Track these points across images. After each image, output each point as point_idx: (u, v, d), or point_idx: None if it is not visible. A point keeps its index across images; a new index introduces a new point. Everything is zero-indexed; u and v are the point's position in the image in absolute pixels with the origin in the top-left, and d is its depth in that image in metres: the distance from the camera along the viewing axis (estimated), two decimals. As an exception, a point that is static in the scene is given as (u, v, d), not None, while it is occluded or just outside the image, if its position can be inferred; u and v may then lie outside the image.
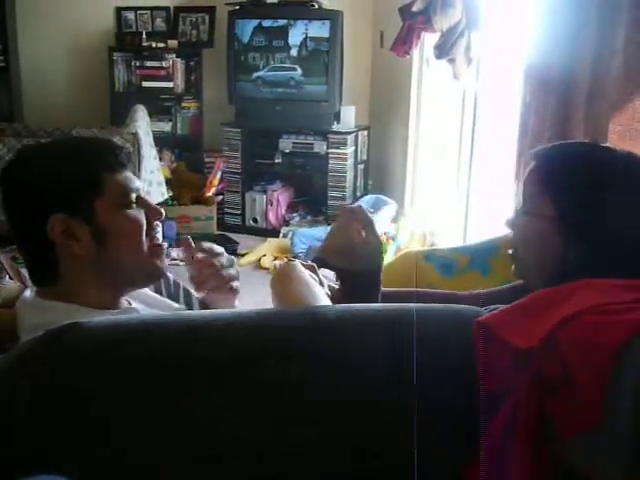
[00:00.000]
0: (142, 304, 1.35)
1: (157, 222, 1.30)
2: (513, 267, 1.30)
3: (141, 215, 1.25)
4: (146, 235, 1.26)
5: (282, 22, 4.90)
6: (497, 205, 3.33)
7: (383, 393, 0.97)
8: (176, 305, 1.47)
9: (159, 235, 1.30)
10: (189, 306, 1.54)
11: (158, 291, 1.50)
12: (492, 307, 0.96)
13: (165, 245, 1.32)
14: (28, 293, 1.31)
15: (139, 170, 4.40)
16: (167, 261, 1.34)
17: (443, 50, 3.62)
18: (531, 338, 0.84)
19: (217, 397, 0.96)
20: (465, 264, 1.86)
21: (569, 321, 0.83)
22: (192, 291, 1.61)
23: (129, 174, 1.26)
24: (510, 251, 1.29)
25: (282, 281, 1.23)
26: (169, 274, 1.61)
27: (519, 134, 2.70)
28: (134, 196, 1.25)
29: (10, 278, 1.64)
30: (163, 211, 1.31)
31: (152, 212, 1.27)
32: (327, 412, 0.97)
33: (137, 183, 1.27)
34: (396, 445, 0.98)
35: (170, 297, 1.50)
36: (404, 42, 3.91)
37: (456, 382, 0.96)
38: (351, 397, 0.97)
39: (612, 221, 1.14)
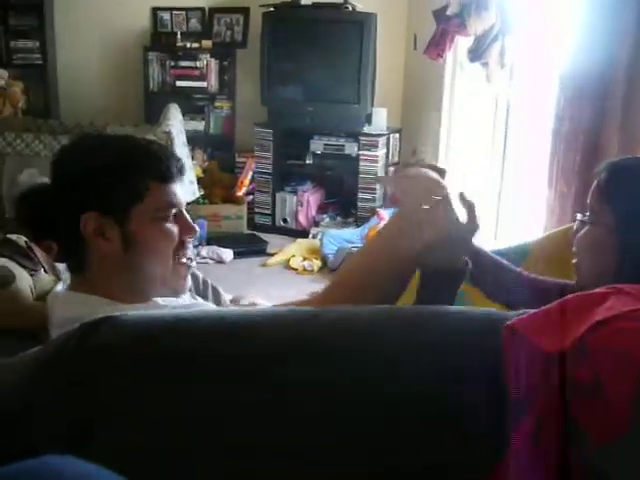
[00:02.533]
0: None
1: (189, 239, 1.29)
2: (576, 278, 1.31)
3: (174, 231, 1.24)
4: (176, 251, 1.25)
5: (316, 24, 4.91)
6: (529, 209, 3.31)
7: (412, 394, 0.98)
8: (209, 303, 1.49)
9: (189, 252, 1.30)
10: (218, 304, 1.56)
11: None
12: (521, 311, 0.96)
13: (193, 264, 1.32)
14: (60, 287, 1.34)
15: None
16: (194, 263, 1.34)
17: (476, 54, 3.61)
18: (561, 342, 0.84)
19: (247, 395, 0.97)
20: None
21: (600, 326, 0.83)
22: (220, 290, 1.63)
23: (175, 188, 1.25)
24: (574, 260, 1.31)
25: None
26: (198, 272, 1.63)
27: (552, 139, 2.69)
28: (173, 211, 1.24)
29: (45, 272, 1.66)
30: (198, 229, 1.30)
31: (186, 229, 1.27)
32: (354, 412, 0.98)
33: (180, 197, 1.26)
34: (420, 448, 0.98)
35: (198, 293, 1.52)
36: (437, 45, 3.91)
37: (485, 386, 0.96)
38: (379, 397, 0.98)
39: None
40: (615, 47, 2.27)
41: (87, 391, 0.95)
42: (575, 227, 1.33)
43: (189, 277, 1.32)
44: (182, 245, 1.27)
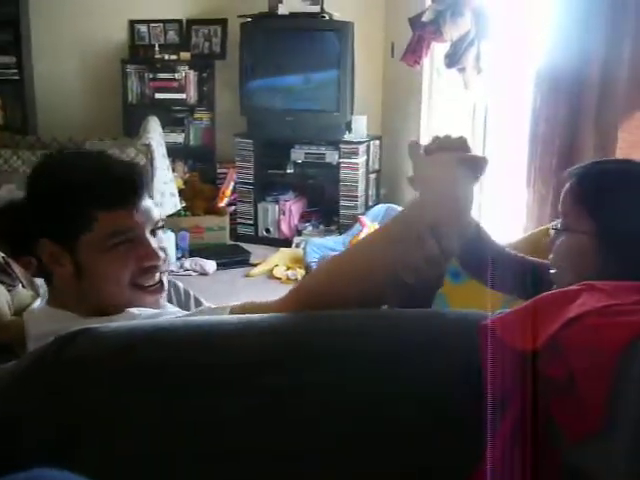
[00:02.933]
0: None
1: (153, 265, 1.23)
2: (555, 287, 1.29)
3: (126, 259, 1.20)
4: (136, 278, 1.22)
5: (294, 34, 4.93)
6: (508, 212, 3.32)
7: (392, 397, 0.98)
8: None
9: (157, 277, 1.25)
10: None
11: (168, 300, 1.51)
12: (499, 311, 0.96)
13: (164, 287, 1.28)
14: (37, 303, 1.33)
15: (152, 181, 4.43)
16: (165, 286, 1.30)
17: (453, 59, 3.63)
18: (535, 341, 0.84)
19: (227, 403, 0.97)
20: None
21: (573, 323, 0.84)
22: (202, 300, 1.62)
23: (133, 213, 1.20)
24: (552, 271, 1.29)
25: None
26: (179, 284, 1.62)
27: (529, 142, 2.71)
28: (130, 236, 1.20)
29: (23, 287, 1.65)
30: (161, 254, 1.25)
31: (146, 256, 1.22)
32: (334, 415, 0.98)
33: (141, 221, 1.21)
34: (402, 450, 0.98)
35: (180, 306, 1.50)
36: (414, 52, 3.93)
37: (463, 387, 0.97)
38: (359, 399, 0.98)
39: None
40: (590, 44, 2.29)
41: (65, 402, 0.94)
42: (551, 237, 1.31)
43: (162, 302, 1.29)
44: (144, 272, 1.23)
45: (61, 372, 0.96)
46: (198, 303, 1.59)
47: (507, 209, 3.36)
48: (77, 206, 1.17)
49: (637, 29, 2.06)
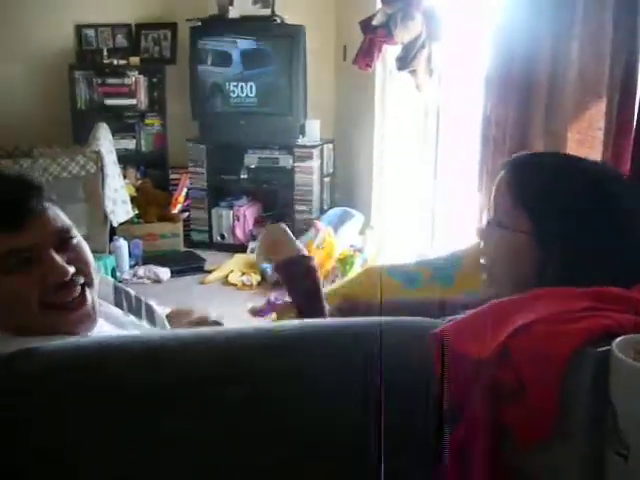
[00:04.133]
0: (104, 319, 1.30)
1: (60, 280, 1.14)
2: (484, 276, 1.27)
3: (28, 277, 1.12)
4: (47, 297, 1.13)
5: (244, 37, 4.90)
6: (461, 215, 3.34)
7: (343, 411, 0.96)
8: (140, 323, 1.45)
9: (76, 291, 1.17)
10: (151, 322, 1.52)
11: (118, 304, 1.47)
12: (450, 317, 0.95)
13: (87, 300, 1.18)
14: None
15: (103, 189, 4.36)
16: (89, 303, 1.19)
17: (404, 62, 3.64)
18: (485, 348, 0.83)
19: (176, 420, 0.94)
20: (429, 277, 1.85)
21: (521, 331, 0.83)
22: (154, 307, 1.58)
23: (22, 232, 1.12)
24: (482, 260, 1.26)
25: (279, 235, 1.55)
26: (130, 290, 1.58)
27: (481, 145, 2.72)
28: (26, 255, 1.12)
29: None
30: (70, 269, 1.15)
31: (52, 273, 1.13)
32: (286, 431, 0.96)
33: (41, 236, 1.14)
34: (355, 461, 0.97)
35: (131, 311, 1.47)
36: (366, 55, 3.93)
37: (417, 396, 0.95)
38: (310, 415, 0.96)
39: (589, 233, 1.12)
40: (538, 45, 2.31)
41: (4, 428, 0.91)
42: (485, 229, 1.27)
43: (95, 318, 1.21)
44: (56, 289, 1.14)
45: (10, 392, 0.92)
46: (149, 310, 1.56)
47: (461, 211, 3.38)
48: None
49: (584, 29, 2.08)
